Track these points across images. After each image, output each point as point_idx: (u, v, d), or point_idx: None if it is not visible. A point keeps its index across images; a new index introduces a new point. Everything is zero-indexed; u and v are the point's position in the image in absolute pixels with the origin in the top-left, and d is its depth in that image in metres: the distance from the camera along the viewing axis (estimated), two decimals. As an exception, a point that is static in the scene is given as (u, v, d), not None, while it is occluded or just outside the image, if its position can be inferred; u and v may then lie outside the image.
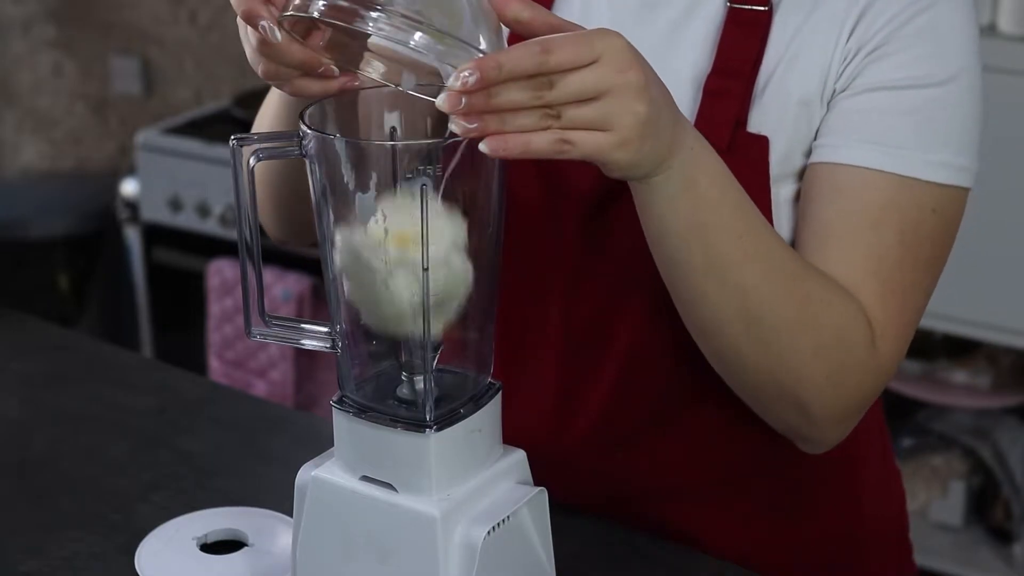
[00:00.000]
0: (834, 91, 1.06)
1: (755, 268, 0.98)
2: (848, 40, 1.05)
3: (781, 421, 1.06)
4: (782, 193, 1.09)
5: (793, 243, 1.08)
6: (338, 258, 0.94)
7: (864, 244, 1.02)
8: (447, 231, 0.92)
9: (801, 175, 1.08)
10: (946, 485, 2.54)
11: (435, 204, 0.92)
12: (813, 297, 1.00)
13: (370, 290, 0.93)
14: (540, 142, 0.85)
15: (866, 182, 1.03)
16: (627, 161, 0.89)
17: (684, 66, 1.09)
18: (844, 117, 1.05)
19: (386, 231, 0.91)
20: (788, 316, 0.99)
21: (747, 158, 1.06)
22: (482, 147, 0.84)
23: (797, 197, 1.09)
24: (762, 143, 1.07)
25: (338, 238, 0.93)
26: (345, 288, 0.94)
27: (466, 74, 0.82)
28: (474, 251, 0.94)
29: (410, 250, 0.90)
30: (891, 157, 1.03)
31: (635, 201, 0.97)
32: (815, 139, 1.07)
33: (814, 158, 1.06)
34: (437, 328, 0.94)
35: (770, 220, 1.07)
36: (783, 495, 1.19)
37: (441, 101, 0.83)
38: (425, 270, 0.90)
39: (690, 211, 0.95)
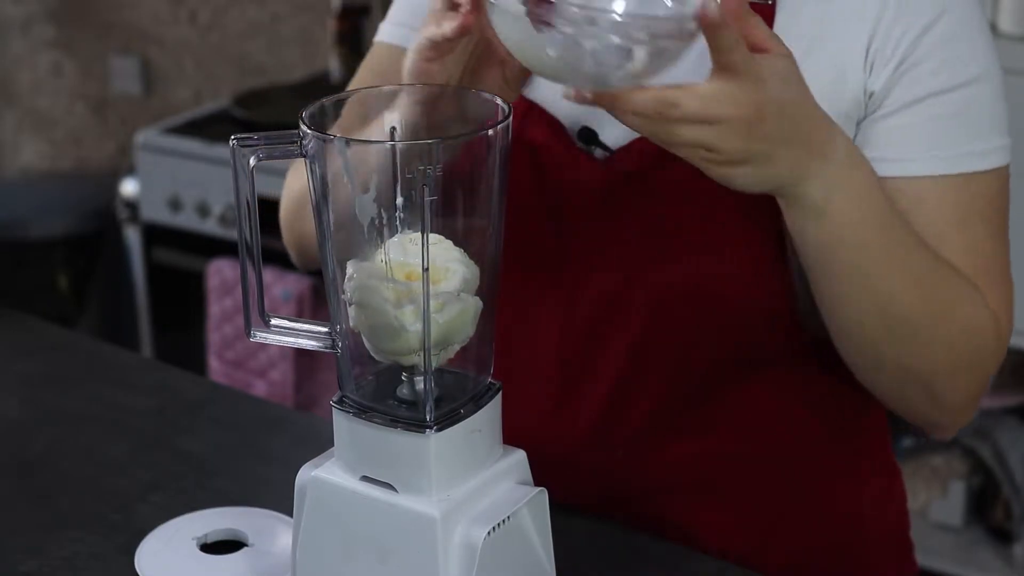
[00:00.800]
0: (864, 99, 1.07)
1: (896, 277, 1.02)
2: (869, 47, 1.06)
3: (912, 411, 1.11)
4: None
5: None
6: (348, 289, 0.94)
7: (959, 245, 1.07)
8: (459, 271, 0.92)
9: None
10: (946, 485, 2.54)
11: (451, 247, 0.93)
12: (951, 295, 1.04)
13: (379, 324, 0.93)
14: (640, 99, 0.90)
15: (942, 188, 1.07)
16: (740, 179, 0.94)
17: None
18: (900, 132, 1.07)
19: (391, 267, 0.92)
20: (928, 315, 1.03)
21: None
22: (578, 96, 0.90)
23: None
24: None
25: (349, 269, 0.94)
26: (351, 317, 0.95)
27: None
28: (475, 251, 0.94)
29: (417, 288, 0.91)
30: (957, 161, 1.07)
31: (780, 205, 1.01)
32: (868, 149, 1.08)
33: (884, 171, 1.07)
34: (441, 359, 0.95)
35: (776, 219, 1.07)
36: (783, 494, 1.19)
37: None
38: (425, 270, 0.90)
39: (829, 228, 0.99)
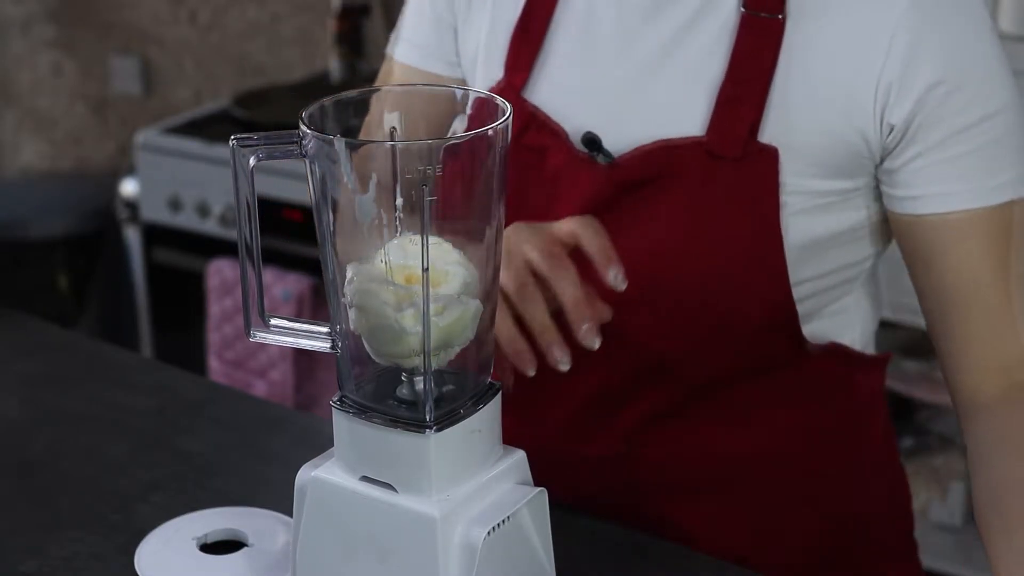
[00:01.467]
0: (883, 141, 1.07)
1: None
2: (880, 81, 1.05)
3: None
4: (793, 204, 1.08)
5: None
6: (348, 292, 0.94)
7: (1006, 271, 1.07)
8: (459, 274, 0.92)
9: (821, 193, 1.09)
10: (946, 485, 2.54)
11: (451, 249, 0.93)
12: None
13: (380, 327, 0.93)
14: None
15: (982, 219, 1.06)
16: None
17: (692, 67, 1.08)
18: (933, 173, 1.06)
19: (392, 268, 0.92)
20: None
21: (757, 168, 1.06)
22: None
23: (809, 209, 1.09)
24: (771, 154, 1.06)
25: (349, 272, 0.94)
26: (351, 319, 0.95)
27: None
28: (475, 253, 0.94)
29: (418, 291, 0.91)
30: (996, 190, 1.06)
31: None
32: (892, 190, 1.08)
33: (921, 209, 1.07)
34: (441, 361, 0.95)
35: (777, 231, 1.07)
36: (786, 494, 1.19)
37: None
38: (425, 270, 0.90)
39: None
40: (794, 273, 1.09)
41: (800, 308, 1.11)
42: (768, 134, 1.06)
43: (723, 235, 1.08)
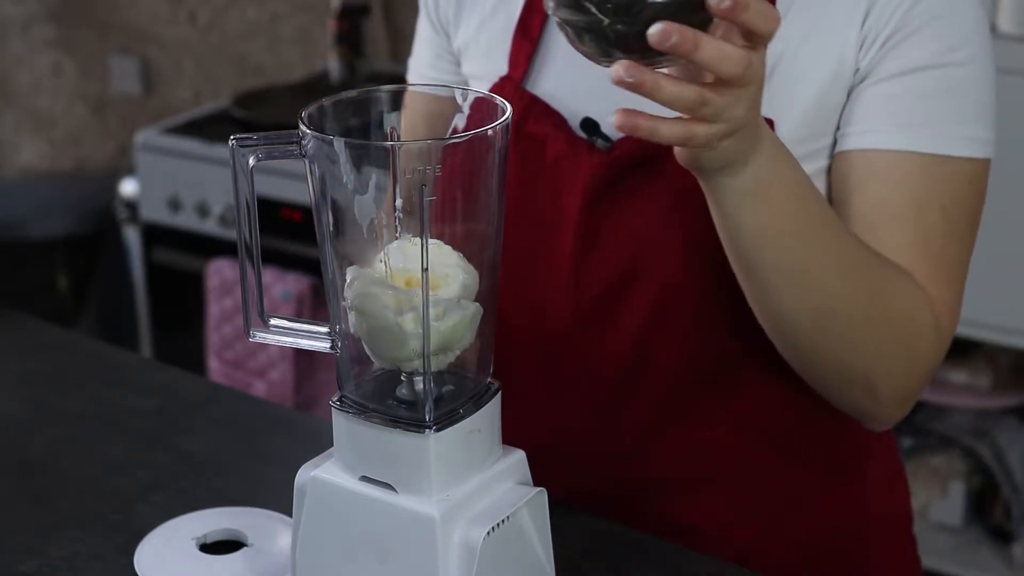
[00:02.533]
0: (853, 79, 1.07)
1: (830, 270, 1.00)
2: (863, 26, 1.06)
3: (848, 403, 1.09)
4: None
5: None
6: (348, 295, 0.94)
7: (912, 227, 1.05)
8: (459, 276, 0.92)
9: (808, 158, 1.08)
10: (946, 485, 2.54)
11: (451, 251, 0.93)
12: (884, 288, 1.02)
13: (380, 331, 0.93)
14: (667, 132, 0.88)
15: (906, 165, 1.05)
16: (715, 155, 0.92)
17: None
18: (875, 104, 1.06)
19: (391, 272, 0.92)
20: (862, 309, 1.01)
21: None
22: (616, 120, 0.87)
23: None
24: (767, 125, 1.07)
25: (349, 275, 0.94)
26: (351, 322, 0.95)
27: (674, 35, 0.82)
28: (474, 255, 0.94)
29: (418, 295, 0.91)
30: (928, 138, 1.05)
31: (707, 198, 0.99)
32: (841, 127, 1.08)
33: (847, 145, 1.07)
34: (441, 363, 0.95)
35: None
36: (786, 488, 1.20)
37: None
38: (424, 271, 0.90)
39: (762, 215, 0.97)
40: None
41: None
42: (763, 107, 1.07)
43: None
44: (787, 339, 1.06)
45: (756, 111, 0.91)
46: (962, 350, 2.52)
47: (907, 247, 1.05)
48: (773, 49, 1.07)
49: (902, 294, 1.03)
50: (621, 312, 1.14)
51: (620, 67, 0.84)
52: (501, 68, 1.19)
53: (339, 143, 0.91)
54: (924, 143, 1.05)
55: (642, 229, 1.12)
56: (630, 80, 0.84)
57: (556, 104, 1.15)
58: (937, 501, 2.54)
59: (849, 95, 1.08)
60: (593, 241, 1.14)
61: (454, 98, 1.17)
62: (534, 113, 1.15)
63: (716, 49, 0.84)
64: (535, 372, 1.19)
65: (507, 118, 0.93)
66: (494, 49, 1.20)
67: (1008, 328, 2.29)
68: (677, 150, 0.95)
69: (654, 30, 0.83)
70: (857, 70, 1.07)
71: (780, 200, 0.97)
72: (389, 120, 0.99)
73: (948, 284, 1.07)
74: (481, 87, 1.19)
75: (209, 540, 1.14)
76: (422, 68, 1.29)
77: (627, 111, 0.87)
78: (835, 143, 1.10)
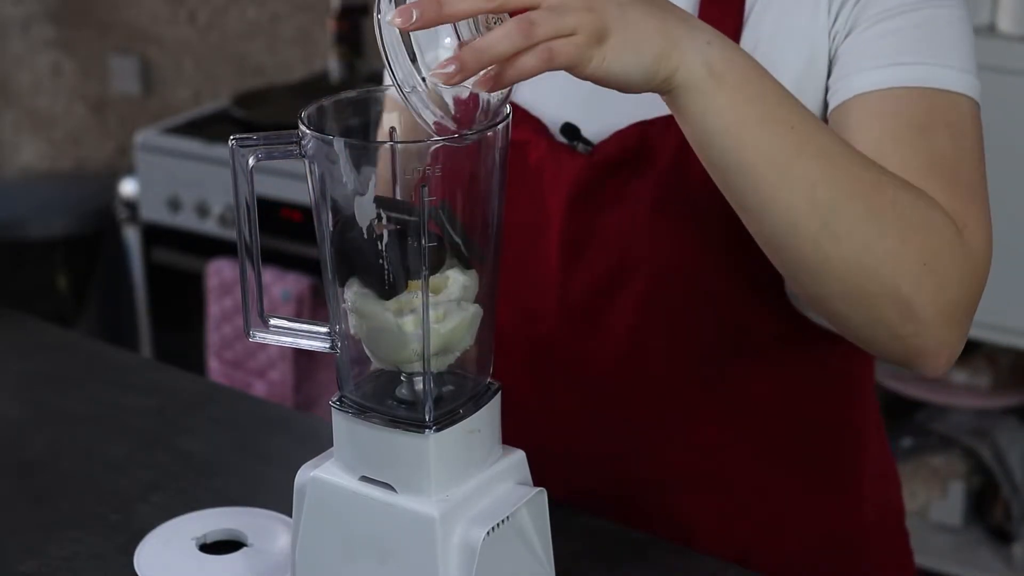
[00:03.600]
0: (834, 38, 1.06)
1: (815, 159, 0.94)
2: (830, 8, 1.05)
3: (887, 332, 0.98)
4: None
5: None
6: (348, 297, 0.94)
7: (920, 150, 1.00)
8: (458, 279, 0.92)
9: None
10: (946, 485, 2.54)
11: (449, 255, 0.93)
12: (884, 182, 0.96)
13: (380, 334, 0.93)
14: (528, 63, 0.86)
15: (901, 98, 1.02)
16: (614, 60, 0.89)
17: None
18: (860, 49, 1.04)
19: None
20: (864, 203, 0.94)
21: None
22: (475, 87, 0.86)
23: None
24: None
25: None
26: (352, 324, 0.95)
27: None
28: (474, 257, 0.94)
29: (418, 298, 0.91)
30: (922, 72, 1.02)
31: (675, 115, 0.95)
32: (830, 85, 1.06)
33: (840, 96, 1.05)
34: (441, 365, 0.95)
35: None
36: (785, 489, 1.20)
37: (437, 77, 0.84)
38: (425, 271, 0.90)
39: (728, 107, 0.92)
40: None
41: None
42: None
43: (704, 202, 1.08)
44: (791, 255, 0.97)
45: (622, 16, 0.89)
46: (961, 350, 2.52)
47: (917, 168, 0.99)
48: (745, 44, 1.07)
49: (909, 192, 0.96)
50: (611, 313, 1.15)
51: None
52: None
53: (339, 143, 0.91)
54: (919, 77, 1.02)
55: (627, 230, 1.12)
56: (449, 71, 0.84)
57: (535, 111, 1.15)
58: (937, 501, 2.54)
59: (832, 62, 1.06)
60: (579, 244, 1.14)
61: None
62: (515, 120, 1.14)
63: None
64: (528, 374, 1.19)
65: (507, 118, 0.93)
66: None
67: (1008, 328, 2.29)
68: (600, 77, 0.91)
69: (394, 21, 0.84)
70: (833, 36, 1.06)
71: (744, 94, 0.93)
72: (389, 120, 0.99)
73: (967, 198, 1.00)
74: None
75: (209, 540, 1.14)
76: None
77: (483, 79, 0.86)
78: (826, 107, 1.07)
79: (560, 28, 0.86)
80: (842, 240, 0.94)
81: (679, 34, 0.91)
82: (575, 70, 0.88)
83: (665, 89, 0.92)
